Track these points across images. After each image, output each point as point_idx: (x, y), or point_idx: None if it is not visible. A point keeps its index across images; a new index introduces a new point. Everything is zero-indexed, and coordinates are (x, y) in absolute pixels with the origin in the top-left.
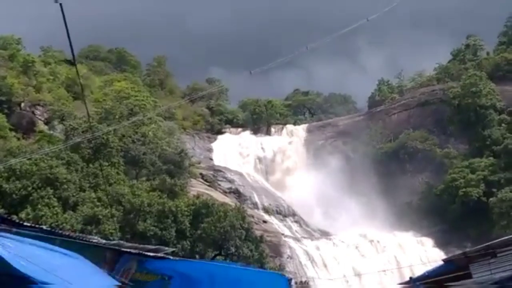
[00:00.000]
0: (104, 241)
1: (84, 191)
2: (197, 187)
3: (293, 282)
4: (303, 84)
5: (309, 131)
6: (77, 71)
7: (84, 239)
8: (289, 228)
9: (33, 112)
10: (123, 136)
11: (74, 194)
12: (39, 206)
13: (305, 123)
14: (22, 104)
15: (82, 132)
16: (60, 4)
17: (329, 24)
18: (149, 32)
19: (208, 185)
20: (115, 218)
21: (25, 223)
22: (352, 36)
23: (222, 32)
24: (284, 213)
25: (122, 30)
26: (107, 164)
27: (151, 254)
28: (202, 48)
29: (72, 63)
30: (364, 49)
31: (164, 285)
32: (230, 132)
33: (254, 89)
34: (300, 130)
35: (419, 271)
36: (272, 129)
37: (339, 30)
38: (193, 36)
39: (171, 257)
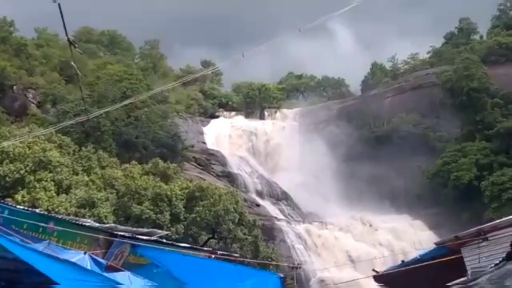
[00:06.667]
0: (97, 224)
1: (77, 174)
2: (190, 171)
3: (286, 273)
4: (283, 66)
5: (302, 114)
6: (71, 50)
7: (78, 222)
8: (282, 211)
9: (25, 95)
10: (116, 119)
11: (67, 177)
12: (37, 189)
13: (298, 106)
14: (15, 87)
15: (74, 115)
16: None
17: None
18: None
19: (202, 169)
20: (108, 202)
21: (18, 206)
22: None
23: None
24: (277, 196)
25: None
26: (99, 147)
27: (144, 237)
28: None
29: (70, 42)
30: (353, 31)
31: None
32: (224, 116)
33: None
34: (293, 114)
35: (412, 253)
36: (266, 113)
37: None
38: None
39: (164, 241)
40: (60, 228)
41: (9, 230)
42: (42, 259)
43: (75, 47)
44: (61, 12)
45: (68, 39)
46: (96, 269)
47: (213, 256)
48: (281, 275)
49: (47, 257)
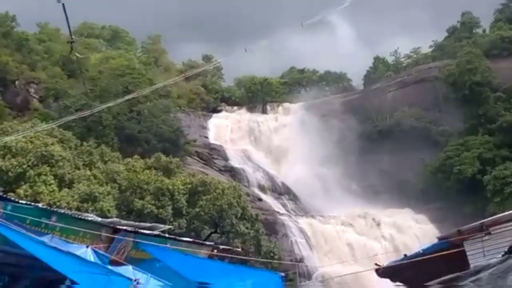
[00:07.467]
0: (100, 218)
1: (78, 168)
2: (192, 165)
3: (289, 268)
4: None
5: (304, 109)
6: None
7: (81, 216)
8: (284, 206)
9: (27, 90)
10: (118, 114)
11: (70, 171)
12: (38, 183)
13: (300, 101)
14: (17, 82)
15: (76, 110)
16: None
17: None
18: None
19: (204, 163)
20: (110, 196)
21: (21, 201)
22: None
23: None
24: (280, 191)
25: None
26: (101, 142)
27: (147, 231)
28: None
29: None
30: (355, 26)
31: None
32: (226, 110)
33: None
34: (295, 108)
35: (415, 248)
36: (268, 107)
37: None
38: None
39: (167, 235)
40: (63, 224)
41: (12, 225)
42: (51, 252)
43: (72, 49)
44: (65, 13)
45: (70, 42)
46: (100, 263)
47: (215, 251)
48: (283, 274)
49: (55, 250)
